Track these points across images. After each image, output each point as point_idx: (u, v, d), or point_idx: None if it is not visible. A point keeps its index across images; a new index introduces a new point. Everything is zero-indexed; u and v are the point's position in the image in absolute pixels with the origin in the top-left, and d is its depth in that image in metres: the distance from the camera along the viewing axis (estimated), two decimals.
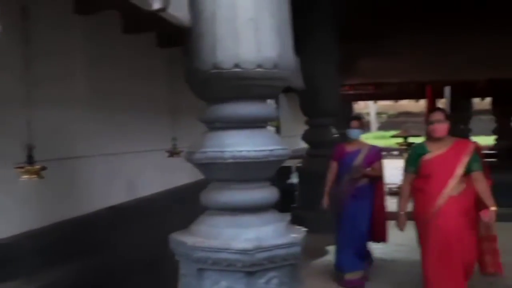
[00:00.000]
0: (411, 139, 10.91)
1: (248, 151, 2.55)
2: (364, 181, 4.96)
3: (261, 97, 2.69)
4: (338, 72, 7.58)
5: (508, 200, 8.11)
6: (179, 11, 2.53)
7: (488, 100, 13.59)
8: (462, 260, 3.79)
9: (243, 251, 2.48)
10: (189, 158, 2.71)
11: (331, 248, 6.50)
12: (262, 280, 2.55)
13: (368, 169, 4.92)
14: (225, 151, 2.55)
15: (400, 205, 4.10)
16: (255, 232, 2.58)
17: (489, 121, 13.03)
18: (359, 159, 4.97)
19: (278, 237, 2.61)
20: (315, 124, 7.74)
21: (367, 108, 30.59)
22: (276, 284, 2.57)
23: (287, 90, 9.47)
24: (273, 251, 2.53)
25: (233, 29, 2.50)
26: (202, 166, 2.68)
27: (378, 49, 7.87)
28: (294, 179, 8.78)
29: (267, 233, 2.61)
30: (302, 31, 7.33)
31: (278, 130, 13.03)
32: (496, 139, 11.11)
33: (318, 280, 5.31)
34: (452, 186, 3.81)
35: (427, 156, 3.95)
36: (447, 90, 8.86)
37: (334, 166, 5.20)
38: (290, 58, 2.69)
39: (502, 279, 5.05)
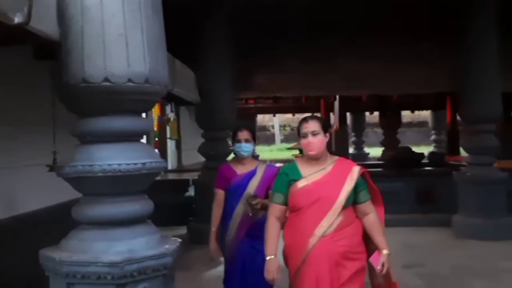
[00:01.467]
0: None
1: (119, 164, 2.57)
2: (261, 214, 3.63)
3: (133, 111, 2.73)
4: (233, 86, 7.79)
5: (393, 207, 8.79)
6: (46, 25, 2.52)
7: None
8: None
9: (113, 264, 2.49)
10: (59, 173, 2.68)
11: None
12: None
13: (266, 200, 3.59)
14: (94, 165, 2.55)
15: (267, 249, 2.98)
16: (127, 244, 2.61)
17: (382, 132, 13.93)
18: (253, 185, 3.74)
19: (150, 248, 2.65)
20: (211, 137, 7.88)
21: (271, 121, 31.39)
22: None
23: (188, 103, 9.63)
24: (144, 262, 2.57)
25: (102, 44, 2.53)
26: (73, 180, 2.66)
27: (270, 65, 8.22)
28: (192, 192, 8.82)
29: (139, 245, 2.64)
30: (198, 48, 7.51)
31: (179, 144, 13.05)
32: (383, 150, 11.95)
33: (216, 286, 5.40)
34: (329, 223, 2.84)
35: (299, 184, 2.95)
36: (336, 104, 9.42)
37: (220, 195, 3.85)
38: (162, 73, 2.76)
39: None
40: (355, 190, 2.96)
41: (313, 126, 3.00)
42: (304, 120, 3.09)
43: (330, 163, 3.04)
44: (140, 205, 2.74)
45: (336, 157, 3.14)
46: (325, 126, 3.07)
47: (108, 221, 2.65)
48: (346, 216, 2.91)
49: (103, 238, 2.62)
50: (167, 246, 2.73)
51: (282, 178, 3.07)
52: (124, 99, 2.62)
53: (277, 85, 8.23)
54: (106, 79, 2.53)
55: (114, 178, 2.58)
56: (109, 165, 2.56)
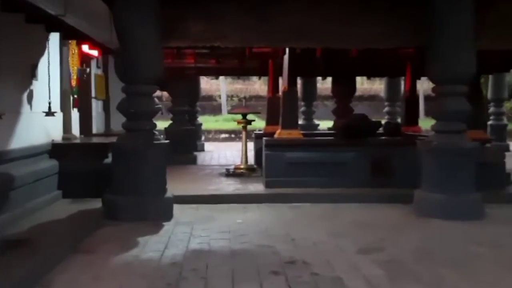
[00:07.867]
0: (250, 116, 10.25)
1: None
2: None
3: None
4: (161, 31, 6.42)
5: (343, 180, 7.80)
6: None
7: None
8: None
9: None
10: None
11: (144, 240, 5.38)
12: None
13: None
14: None
15: None
16: None
17: (333, 106, 12.98)
18: None
19: None
20: (133, 92, 6.50)
21: (218, 91, 29.96)
22: None
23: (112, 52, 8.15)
24: None
25: None
26: None
27: (205, 10, 6.84)
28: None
29: None
30: None
31: (107, 105, 11.52)
32: (335, 119, 11.03)
33: (123, 274, 4.23)
34: None
35: None
36: (285, 61, 8.24)
37: None
38: None
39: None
40: None
41: None
42: None
43: None
44: None
45: None
46: None
47: None
48: None
49: None
50: None
51: None
52: None
53: (213, 33, 6.90)
54: None
55: None
56: None
